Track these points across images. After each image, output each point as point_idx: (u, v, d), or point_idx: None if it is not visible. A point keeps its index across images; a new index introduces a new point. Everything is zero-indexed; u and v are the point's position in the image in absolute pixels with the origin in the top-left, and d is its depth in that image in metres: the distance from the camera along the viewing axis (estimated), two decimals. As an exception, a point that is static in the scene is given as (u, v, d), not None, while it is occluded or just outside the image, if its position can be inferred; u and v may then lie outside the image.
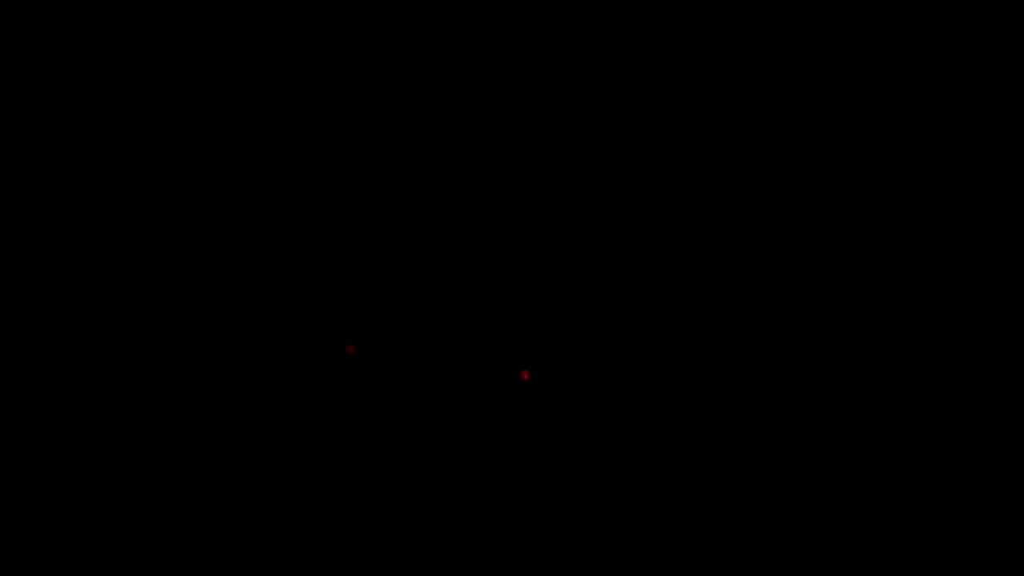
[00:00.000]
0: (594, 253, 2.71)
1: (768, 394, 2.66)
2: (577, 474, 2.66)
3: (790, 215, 2.70)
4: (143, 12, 2.71)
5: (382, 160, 2.74)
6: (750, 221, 2.70)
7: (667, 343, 2.69)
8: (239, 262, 2.70)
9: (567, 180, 2.73)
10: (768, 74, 2.71)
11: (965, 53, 2.69)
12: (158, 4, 2.72)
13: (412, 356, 2.70)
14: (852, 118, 2.70)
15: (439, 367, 2.70)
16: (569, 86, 2.73)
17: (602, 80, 2.73)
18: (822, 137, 2.71)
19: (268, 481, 2.65)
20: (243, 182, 2.72)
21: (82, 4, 2.71)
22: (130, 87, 2.72)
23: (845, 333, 2.67)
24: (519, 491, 2.66)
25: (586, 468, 2.67)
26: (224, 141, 2.72)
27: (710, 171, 2.71)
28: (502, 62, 2.73)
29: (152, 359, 2.68)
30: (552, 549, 2.64)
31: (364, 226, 2.72)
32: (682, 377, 2.68)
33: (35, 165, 2.70)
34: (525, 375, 2.65)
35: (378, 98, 2.74)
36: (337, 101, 2.74)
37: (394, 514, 2.65)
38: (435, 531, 2.64)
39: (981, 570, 2.58)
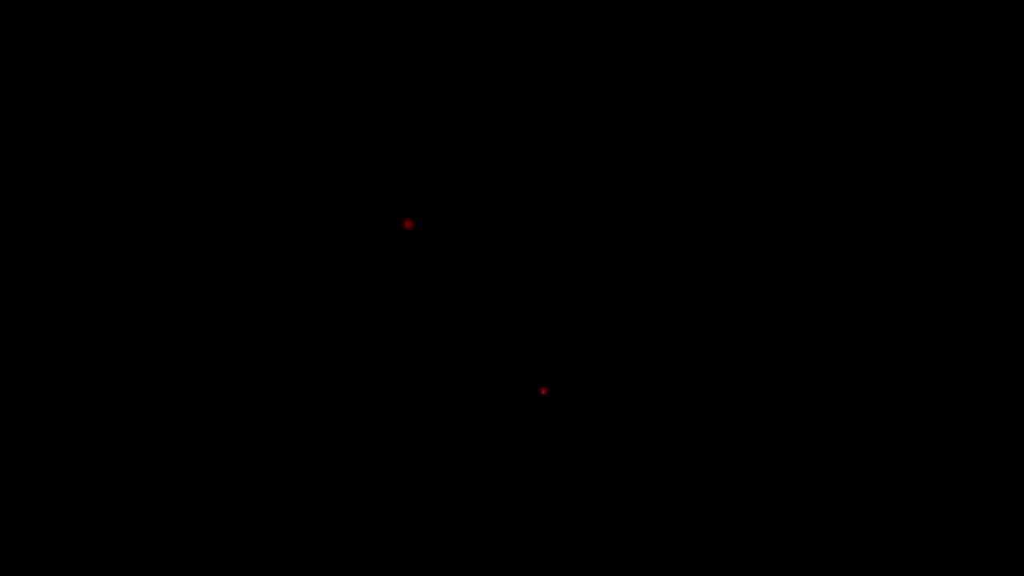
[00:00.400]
0: (611, 264, 2.72)
1: (794, 408, 2.67)
2: (590, 485, 2.67)
3: (813, 226, 2.70)
4: (143, 12, 2.72)
5: (400, 170, 2.74)
6: (771, 233, 2.70)
7: (684, 354, 2.69)
8: (250, 263, 2.70)
9: (585, 190, 2.73)
10: (768, 74, 2.71)
11: (965, 53, 2.69)
12: (158, 4, 2.72)
13: (426, 365, 2.70)
14: (852, 118, 2.71)
15: (456, 379, 2.70)
16: (587, 91, 2.73)
17: (619, 86, 2.73)
18: (822, 137, 2.71)
19: (266, 482, 2.66)
20: (244, 182, 2.72)
21: (82, 4, 2.71)
22: (130, 87, 2.72)
23: (863, 339, 2.68)
24: (529, 501, 2.66)
25: (599, 479, 2.67)
26: (224, 141, 2.72)
27: (736, 185, 2.72)
28: (503, 63, 2.74)
29: (151, 358, 2.68)
30: (560, 557, 2.64)
31: (378, 234, 2.73)
32: (697, 388, 2.68)
33: (35, 165, 2.70)
34: (544, 391, 2.64)
35: (391, 102, 2.74)
36: (338, 101, 2.74)
37: (404, 525, 2.65)
38: (443, 540, 2.64)
39: (981, 570, 2.59)
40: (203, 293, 2.69)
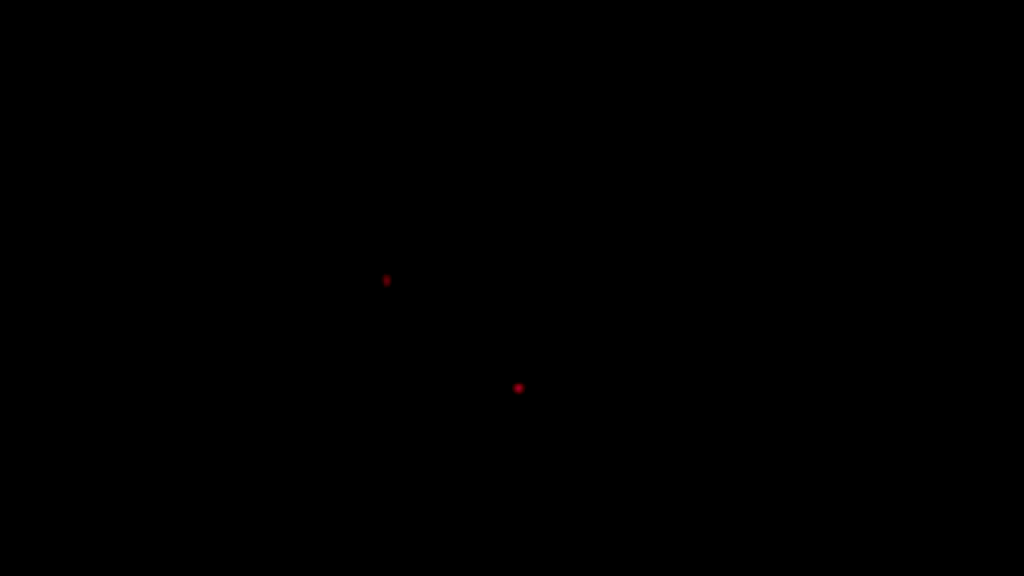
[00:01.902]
0: (593, 258, 2.71)
1: (772, 407, 2.67)
2: (574, 484, 2.67)
3: (790, 218, 2.70)
4: (143, 12, 2.72)
5: (378, 165, 2.74)
6: (754, 227, 2.70)
7: (668, 351, 2.69)
8: (236, 262, 2.71)
9: (565, 184, 2.73)
10: (768, 74, 2.71)
11: (965, 53, 2.69)
12: (158, 4, 2.72)
13: (409, 364, 2.70)
14: (852, 118, 2.71)
15: (435, 375, 2.70)
16: (569, 87, 2.73)
17: (602, 81, 2.73)
18: (822, 137, 2.71)
19: (257, 483, 2.66)
20: (242, 182, 2.72)
21: (82, 4, 2.71)
22: (130, 87, 2.73)
23: (848, 338, 2.67)
24: (513, 501, 2.66)
25: (583, 477, 2.67)
26: (224, 141, 2.72)
27: (712, 178, 2.72)
28: (502, 62, 2.74)
29: (151, 358, 2.68)
30: (546, 555, 2.64)
31: (361, 229, 2.73)
32: (682, 385, 2.68)
33: (35, 165, 2.71)
34: (519, 388, 2.64)
35: (378, 98, 2.74)
36: (337, 101, 2.74)
37: (389, 521, 2.65)
38: (429, 538, 2.64)
39: (981, 570, 2.59)
40: (203, 293, 2.69)
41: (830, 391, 2.66)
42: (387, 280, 2.58)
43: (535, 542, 2.64)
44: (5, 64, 2.70)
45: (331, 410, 2.68)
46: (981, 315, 2.66)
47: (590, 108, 2.73)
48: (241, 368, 2.68)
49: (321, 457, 2.66)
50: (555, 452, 2.67)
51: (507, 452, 2.67)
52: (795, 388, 2.67)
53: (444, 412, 2.68)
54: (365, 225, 2.72)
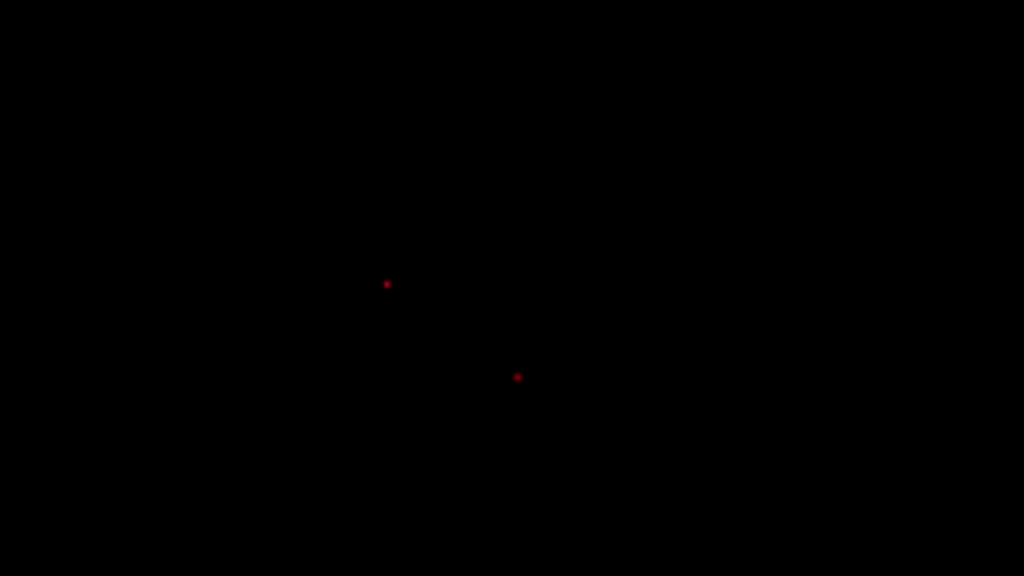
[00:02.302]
0: (590, 253, 2.71)
1: (769, 397, 2.66)
2: (573, 478, 2.66)
3: (790, 217, 2.70)
4: (143, 12, 2.72)
5: (373, 164, 2.74)
6: (750, 222, 2.70)
7: (665, 345, 2.69)
8: (236, 264, 2.71)
9: (562, 180, 2.73)
10: (768, 74, 2.71)
11: (965, 53, 2.69)
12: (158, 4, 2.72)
13: (406, 357, 2.70)
14: (852, 118, 2.70)
15: (432, 368, 2.70)
16: (569, 86, 2.73)
17: (602, 80, 2.73)
18: (822, 137, 2.71)
19: (256, 484, 2.66)
20: (242, 184, 2.72)
21: (82, 4, 2.71)
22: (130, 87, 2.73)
23: (846, 338, 2.67)
24: (511, 495, 2.66)
25: (582, 472, 2.67)
26: (224, 141, 2.72)
27: (710, 173, 2.71)
28: (502, 62, 2.74)
29: (151, 358, 2.68)
30: (547, 551, 2.64)
31: (359, 228, 2.73)
32: (681, 379, 2.68)
33: (35, 165, 2.71)
34: (518, 377, 2.64)
35: (378, 99, 2.74)
36: (337, 102, 2.74)
37: (387, 517, 2.65)
38: (429, 534, 2.64)
39: (981, 570, 2.59)
40: (203, 296, 2.69)
41: (828, 385, 2.66)
42: (387, 284, 2.58)
43: (532, 532, 2.64)
44: (5, 64, 2.70)
45: (331, 409, 2.68)
46: (981, 315, 2.66)
47: (590, 108, 2.73)
48: (241, 369, 2.68)
49: (321, 455, 2.67)
50: (555, 439, 2.67)
51: (508, 440, 2.67)
52: (794, 376, 2.67)
53: (444, 406, 2.68)
54: (365, 228, 2.73)
